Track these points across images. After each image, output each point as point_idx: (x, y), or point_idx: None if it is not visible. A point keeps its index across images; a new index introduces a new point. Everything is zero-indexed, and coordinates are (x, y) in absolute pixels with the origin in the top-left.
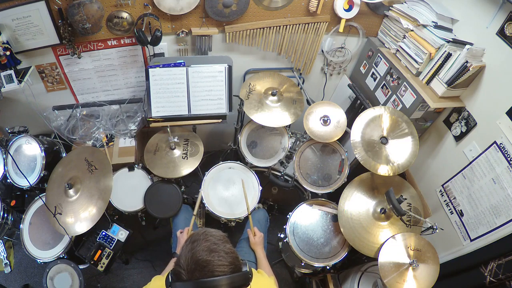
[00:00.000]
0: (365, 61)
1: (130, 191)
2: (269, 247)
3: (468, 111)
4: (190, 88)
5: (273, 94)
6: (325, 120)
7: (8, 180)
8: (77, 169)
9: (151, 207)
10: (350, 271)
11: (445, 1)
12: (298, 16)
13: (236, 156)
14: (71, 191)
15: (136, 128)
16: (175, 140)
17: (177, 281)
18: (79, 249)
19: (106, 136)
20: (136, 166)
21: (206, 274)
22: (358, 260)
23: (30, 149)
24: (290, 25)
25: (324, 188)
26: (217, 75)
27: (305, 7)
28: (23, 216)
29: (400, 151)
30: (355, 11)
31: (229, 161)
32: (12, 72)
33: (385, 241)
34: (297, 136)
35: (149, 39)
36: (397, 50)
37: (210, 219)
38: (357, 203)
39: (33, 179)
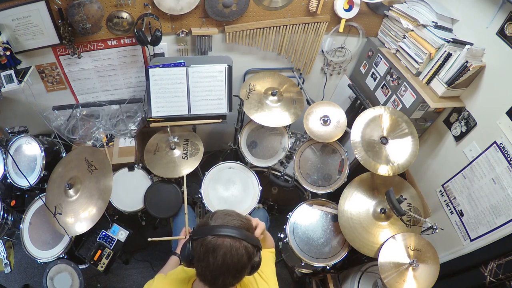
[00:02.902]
0: (365, 61)
1: (130, 191)
2: None
3: (468, 111)
4: (190, 88)
5: (273, 94)
6: (325, 120)
7: (8, 180)
8: (77, 169)
9: (151, 207)
10: (350, 271)
11: (445, 1)
12: (298, 16)
13: (236, 156)
14: (71, 191)
15: (136, 128)
16: (175, 140)
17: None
18: (79, 249)
19: (106, 136)
20: (136, 166)
21: (227, 223)
22: (358, 260)
23: (30, 149)
24: (290, 25)
25: (324, 188)
26: (217, 75)
27: (305, 7)
28: (23, 216)
29: (400, 151)
30: (355, 11)
31: (229, 161)
32: (12, 72)
33: (385, 241)
34: (297, 136)
35: (149, 39)
36: (397, 50)
37: None
38: (357, 203)
39: (33, 179)
